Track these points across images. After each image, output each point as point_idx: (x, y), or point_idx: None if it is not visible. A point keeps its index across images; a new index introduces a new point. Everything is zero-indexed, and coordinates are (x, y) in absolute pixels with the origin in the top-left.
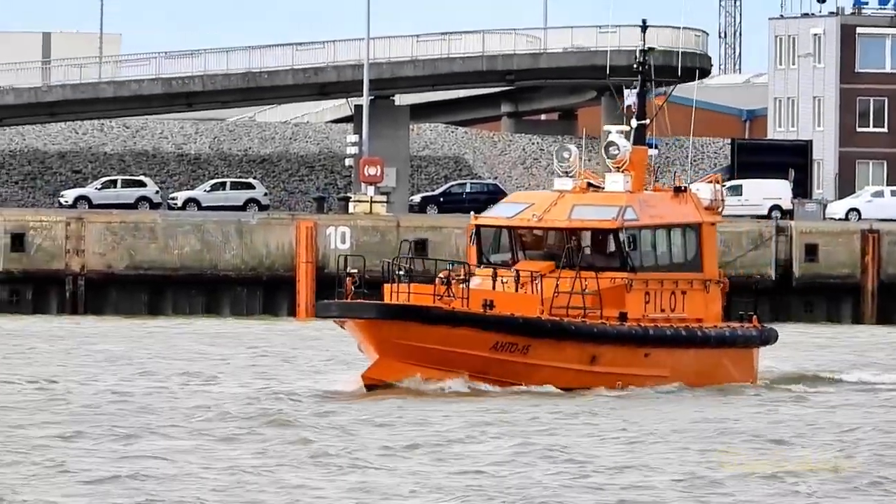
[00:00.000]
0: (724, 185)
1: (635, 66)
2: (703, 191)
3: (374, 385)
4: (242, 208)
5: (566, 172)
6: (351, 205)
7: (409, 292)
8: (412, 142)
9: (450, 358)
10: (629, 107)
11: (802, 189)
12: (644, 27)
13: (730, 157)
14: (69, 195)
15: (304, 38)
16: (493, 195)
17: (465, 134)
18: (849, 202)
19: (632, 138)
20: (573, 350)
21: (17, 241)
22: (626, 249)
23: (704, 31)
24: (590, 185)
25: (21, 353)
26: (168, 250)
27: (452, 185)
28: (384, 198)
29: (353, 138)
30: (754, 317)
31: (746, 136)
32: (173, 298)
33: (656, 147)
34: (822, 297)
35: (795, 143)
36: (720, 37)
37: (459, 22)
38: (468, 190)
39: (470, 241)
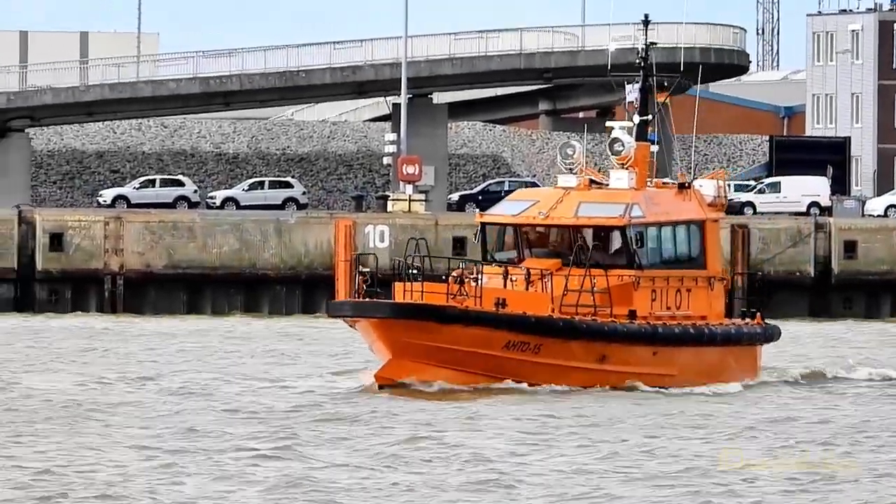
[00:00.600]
0: (726, 181)
1: (638, 61)
2: (707, 187)
3: (386, 385)
4: (281, 207)
5: (570, 169)
6: (389, 203)
7: (422, 291)
8: (450, 140)
9: (461, 357)
10: (631, 103)
11: (841, 186)
12: (646, 22)
13: (768, 154)
14: (108, 195)
15: (342, 36)
16: None
17: (503, 132)
18: (888, 199)
19: (634, 134)
20: (584, 349)
21: (56, 241)
22: (634, 247)
23: (742, 28)
24: (592, 181)
25: (113, 353)
26: (207, 249)
27: (491, 184)
28: (423, 196)
29: (392, 137)
30: (758, 314)
31: (785, 133)
32: (212, 297)
33: (657, 143)
34: (861, 293)
35: (834, 140)
36: (758, 34)
37: (497, 20)
38: (506, 188)
39: (475, 238)
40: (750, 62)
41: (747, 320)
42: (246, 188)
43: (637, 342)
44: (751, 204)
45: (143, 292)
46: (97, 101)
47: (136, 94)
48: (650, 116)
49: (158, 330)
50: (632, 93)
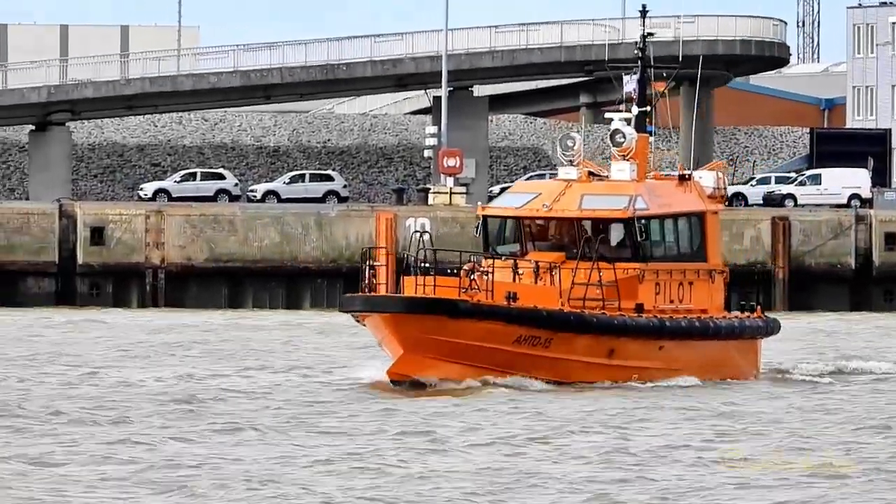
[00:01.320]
0: (725, 172)
1: (636, 51)
2: (706, 178)
3: (400, 381)
4: (322, 200)
5: (570, 161)
6: (430, 196)
7: (434, 285)
8: (491, 133)
9: (473, 352)
10: (629, 93)
11: (881, 178)
12: (643, 13)
13: (809, 147)
14: (148, 188)
15: (383, 29)
16: None
17: (543, 124)
18: None
19: (633, 125)
20: (593, 343)
21: (97, 235)
22: (639, 239)
23: (783, 21)
24: (591, 174)
25: (213, 345)
26: (248, 243)
27: (531, 176)
28: (463, 189)
29: (432, 129)
30: (758, 307)
31: (825, 126)
32: (253, 291)
33: (653, 134)
34: None
35: (874, 132)
36: (799, 26)
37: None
38: (547, 181)
39: (476, 231)
40: (790, 55)
41: (747, 314)
42: (287, 181)
43: (645, 337)
44: (791, 196)
45: (183, 286)
46: (138, 94)
47: (177, 88)
48: (648, 108)
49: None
50: (629, 84)
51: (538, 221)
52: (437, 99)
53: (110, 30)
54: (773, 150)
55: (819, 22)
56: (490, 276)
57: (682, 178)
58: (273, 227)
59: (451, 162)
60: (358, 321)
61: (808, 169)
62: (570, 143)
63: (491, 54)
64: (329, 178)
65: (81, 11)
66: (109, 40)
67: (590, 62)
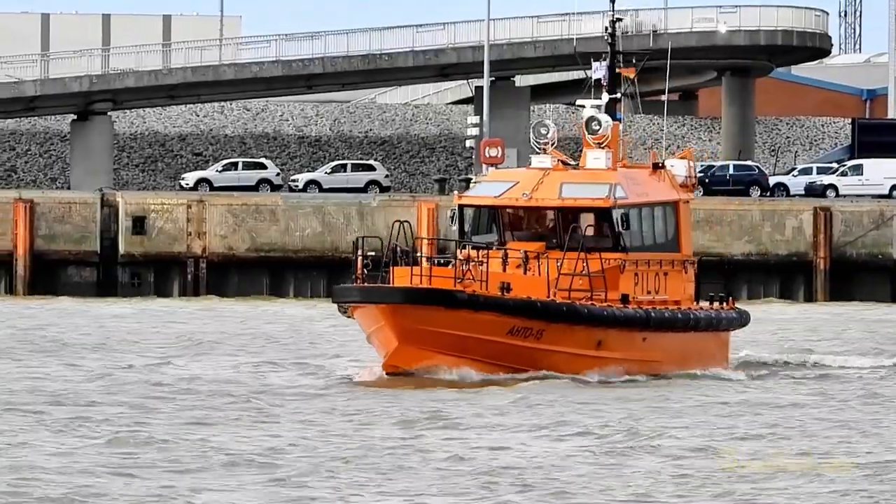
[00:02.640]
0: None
1: (605, 37)
2: (678, 167)
3: (395, 373)
4: (363, 190)
5: (543, 149)
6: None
7: (430, 276)
8: (533, 123)
9: (466, 344)
10: (598, 80)
11: None
12: None
13: (850, 137)
14: (190, 178)
15: (425, 19)
16: None
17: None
18: None
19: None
20: (583, 335)
21: (139, 225)
22: (619, 229)
23: (825, 11)
24: (563, 163)
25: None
26: (289, 232)
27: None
28: None
29: (474, 119)
30: (731, 298)
31: (867, 116)
32: (294, 280)
33: (622, 121)
34: None
35: None
36: (841, 16)
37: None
38: None
39: (451, 221)
40: (832, 45)
41: (716, 304)
42: (328, 171)
43: (631, 327)
44: (833, 187)
45: (225, 276)
46: (180, 84)
47: (219, 78)
48: (619, 95)
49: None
50: (599, 70)
51: (517, 211)
52: (479, 89)
53: (152, 19)
54: (815, 140)
55: (861, 12)
56: (485, 266)
57: (656, 167)
58: (314, 216)
59: (493, 152)
60: (344, 313)
61: (849, 159)
62: (543, 131)
63: (533, 44)
64: (371, 168)
65: (124, 1)
66: (151, 30)
67: (631, 52)
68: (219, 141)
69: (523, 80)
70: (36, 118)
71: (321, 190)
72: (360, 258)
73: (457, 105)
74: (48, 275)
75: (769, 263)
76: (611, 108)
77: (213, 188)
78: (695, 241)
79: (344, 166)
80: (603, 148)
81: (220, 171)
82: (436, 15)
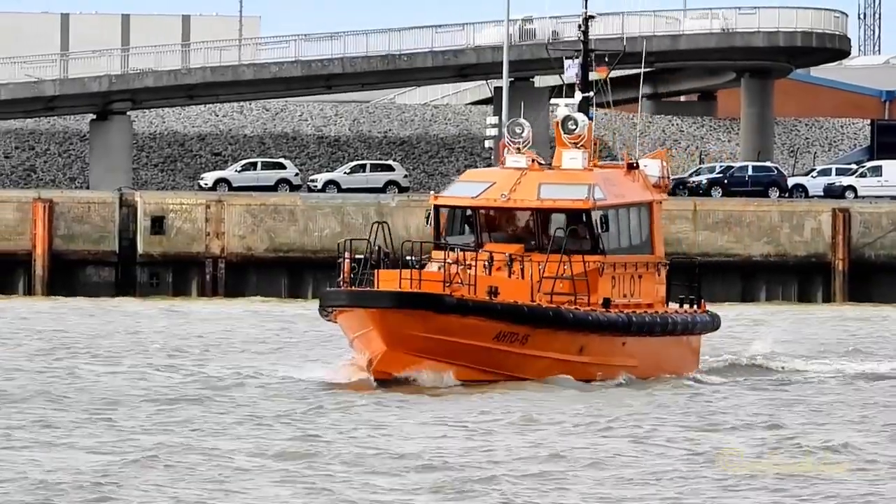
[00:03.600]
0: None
1: (579, 35)
2: (651, 167)
3: (385, 380)
4: (382, 190)
5: (518, 149)
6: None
7: (420, 279)
8: (551, 124)
9: (453, 349)
10: (570, 78)
11: None
12: None
13: (869, 138)
14: (209, 178)
15: (444, 20)
16: None
17: (604, 115)
18: None
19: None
20: (566, 340)
21: (158, 224)
22: (599, 231)
23: (844, 13)
24: (538, 163)
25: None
26: (308, 232)
27: None
28: None
29: (493, 120)
30: (702, 301)
31: (886, 117)
32: (313, 281)
33: (592, 119)
34: None
35: None
36: (859, 18)
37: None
38: None
39: (426, 222)
40: (851, 46)
41: (686, 307)
42: (347, 171)
43: (611, 332)
44: (852, 188)
45: (243, 276)
46: (199, 84)
47: (238, 78)
48: (591, 93)
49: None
50: (571, 68)
51: (493, 212)
52: (498, 89)
53: (171, 19)
54: (834, 141)
55: (880, 14)
56: (474, 269)
57: (630, 167)
58: (333, 216)
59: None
60: (327, 318)
61: (868, 160)
62: (518, 130)
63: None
64: (390, 169)
65: (143, 1)
66: (170, 30)
67: (651, 53)
68: (238, 141)
69: (542, 81)
70: (55, 118)
71: (340, 190)
72: (347, 261)
73: (476, 105)
74: (67, 275)
75: (788, 265)
76: (583, 107)
77: (231, 188)
78: (714, 242)
79: (363, 166)
80: (579, 148)
81: (238, 171)
82: (455, 15)
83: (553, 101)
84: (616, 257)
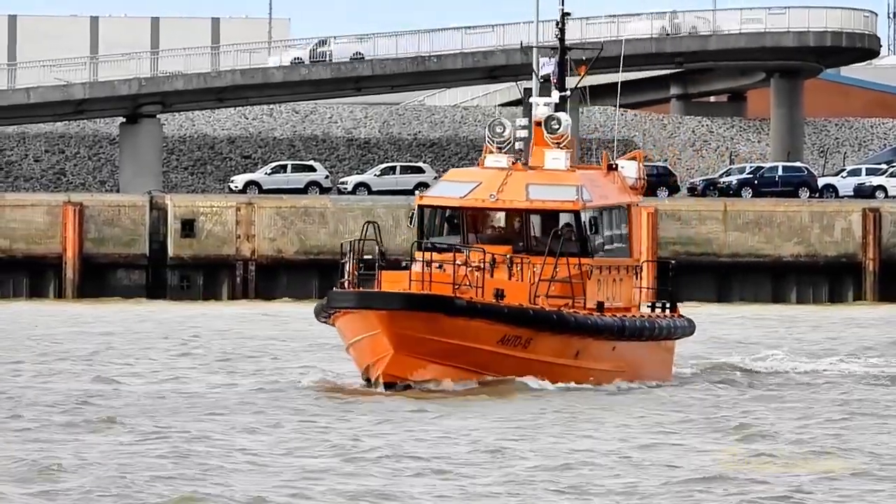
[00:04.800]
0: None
1: (556, 33)
2: (628, 169)
3: (393, 384)
4: (412, 192)
5: (500, 148)
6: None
7: (430, 280)
8: (582, 124)
9: (457, 352)
10: (547, 76)
11: None
12: None
13: None
14: (239, 180)
15: (473, 21)
16: (663, 177)
17: (634, 116)
18: None
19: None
20: (564, 344)
21: (188, 227)
22: (587, 232)
23: (873, 12)
24: (520, 162)
25: None
26: (338, 235)
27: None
28: None
29: (523, 122)
30: (677, 306)
31: None
32: None
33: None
34: None
35: None
36: (889, 17)
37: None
38: None
39: (409, 222)
40: (881, 46)
41: (658, 311)
42: (377, 173)
43: (606, 336)
44: (882, 188)
45: (274, 278)
46: (228, 86)
47: (268, 80)
48: (569, 92)
49: None
50: (547, 66)
51: (481, 213)
52: (528, 91)
53: (201, 22)
54: (864, 141)
55: None
56: (483, 271)
57: (611, 168)
58: (363, 219)
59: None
60: (324, 321)
61: None
62: (499, 130)
63: (582, 46)
64: (420, 171)
65: (172, 4)
66: (200, 33)
67: (680, 54)
68: (267, 143)
69: (572, 82)
70: (85, 121)
71: (370, 192)
72: (352, 262)
73: (506, 107)
74: (97, 278)
75: (818, 265)
76: (561, 106)
77: (261, 191)
78: (744, 243)
79: (393, 168)
80: (562, 148)
81: (268, 174)
82: (484, 17)
83: (533, 99)
84: (601, 260)
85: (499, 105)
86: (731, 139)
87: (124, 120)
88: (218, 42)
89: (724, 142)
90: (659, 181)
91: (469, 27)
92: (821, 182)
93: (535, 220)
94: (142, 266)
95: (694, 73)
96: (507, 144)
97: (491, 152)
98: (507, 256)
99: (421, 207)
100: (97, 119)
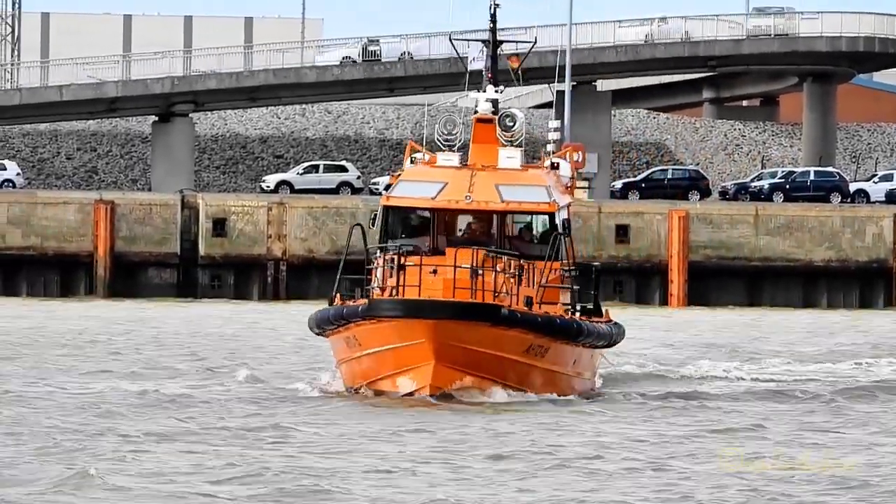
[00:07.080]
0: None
1: (490, 24)
2: (563, 167)
3: (436, 394)
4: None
5: (450, 146)
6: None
7: (474, 289)
8: (614, 127)
9: (487, 363)
10: (479, 72)
11: None
12: None
13: None
14: (271, 180)
15: (506, 23)
16: (695, 181)
17: (666, 120)
18: None
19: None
20: (569, 353)
21: (219, 226)
22: (560, 234)
23: None
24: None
25: None
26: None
27: (654, 171)
28: (586, 183)
29: (555, 124)
30: (607, 311)
31: None
32: None
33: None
34: None
35: None
36: None
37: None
38: (669, 176)
39: (371, 224)
40: None
41: (586, 316)
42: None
43: (596, 345)
44: None
45: (305, 278)
46: (261, 86)
47: (300, 80)
48: (503, 88)
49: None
50: (478, 61)
51: (452, 214)
52: (560, 93)
53: (234, 21)
54: None
55: None
56: (521, 278)
57: (553, 167)
58: None
59: (574, 156)
60: (321, 334)
61: None
62: (450, 127)
63: (614, 49)
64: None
65: (205, 3)
66: (233, 32)
67: (713, 57)
68: (300, 143)
69: (604, 85)
70: (117, 119)
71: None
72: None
73: (538, 109)
74: (128, 276)
75: (849, 270)
76: (494, 102)
77: (293, 191)
78: (775, 247)
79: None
80: (515, 146)
81: (300, 174)
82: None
83: (473, 94)
84: (558, 262)
85: (530, 107)
86: (764, 143)
87: (157, 118)
88: (251, 41)
89: (756, 146)
90: (690, 185)
91: (502, 29)
92: (852, 187)
93: (508, 222)
94: (173, 265)
95: (727, 77)
96: (458, 142)
97: (419, 151)
98: (508, 261)
99: (387, 208)
100: (129, 117)
